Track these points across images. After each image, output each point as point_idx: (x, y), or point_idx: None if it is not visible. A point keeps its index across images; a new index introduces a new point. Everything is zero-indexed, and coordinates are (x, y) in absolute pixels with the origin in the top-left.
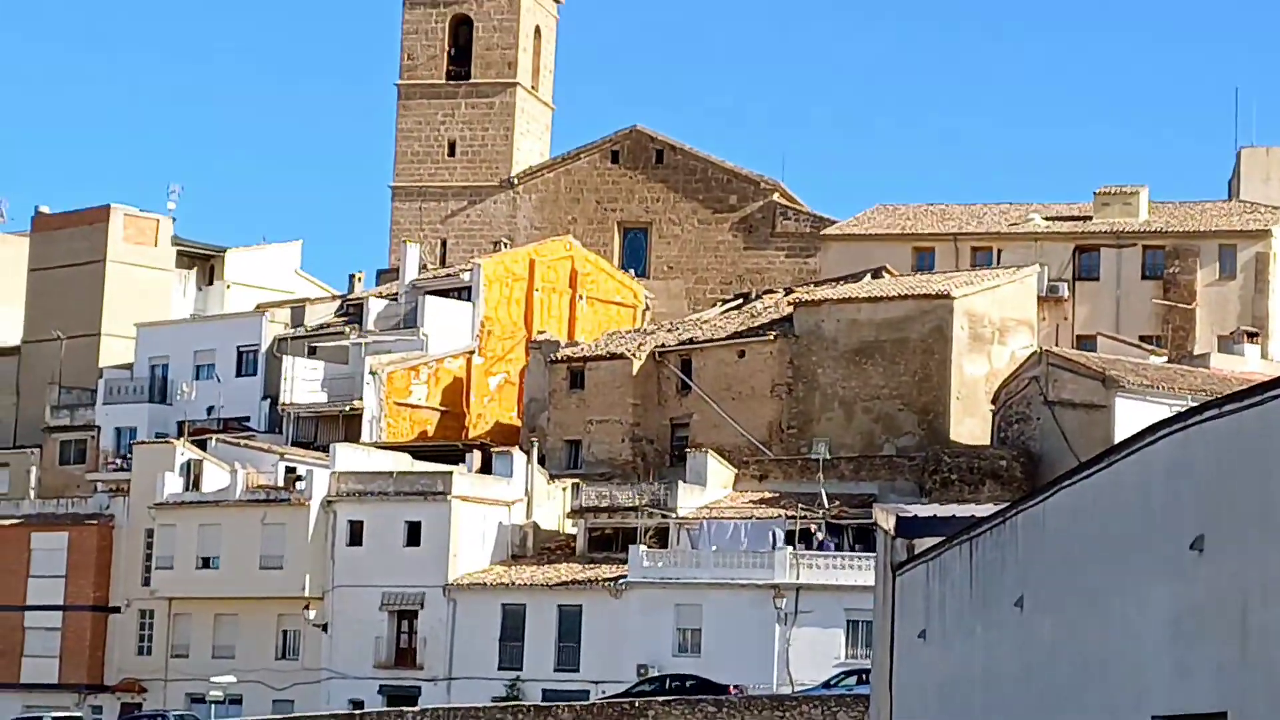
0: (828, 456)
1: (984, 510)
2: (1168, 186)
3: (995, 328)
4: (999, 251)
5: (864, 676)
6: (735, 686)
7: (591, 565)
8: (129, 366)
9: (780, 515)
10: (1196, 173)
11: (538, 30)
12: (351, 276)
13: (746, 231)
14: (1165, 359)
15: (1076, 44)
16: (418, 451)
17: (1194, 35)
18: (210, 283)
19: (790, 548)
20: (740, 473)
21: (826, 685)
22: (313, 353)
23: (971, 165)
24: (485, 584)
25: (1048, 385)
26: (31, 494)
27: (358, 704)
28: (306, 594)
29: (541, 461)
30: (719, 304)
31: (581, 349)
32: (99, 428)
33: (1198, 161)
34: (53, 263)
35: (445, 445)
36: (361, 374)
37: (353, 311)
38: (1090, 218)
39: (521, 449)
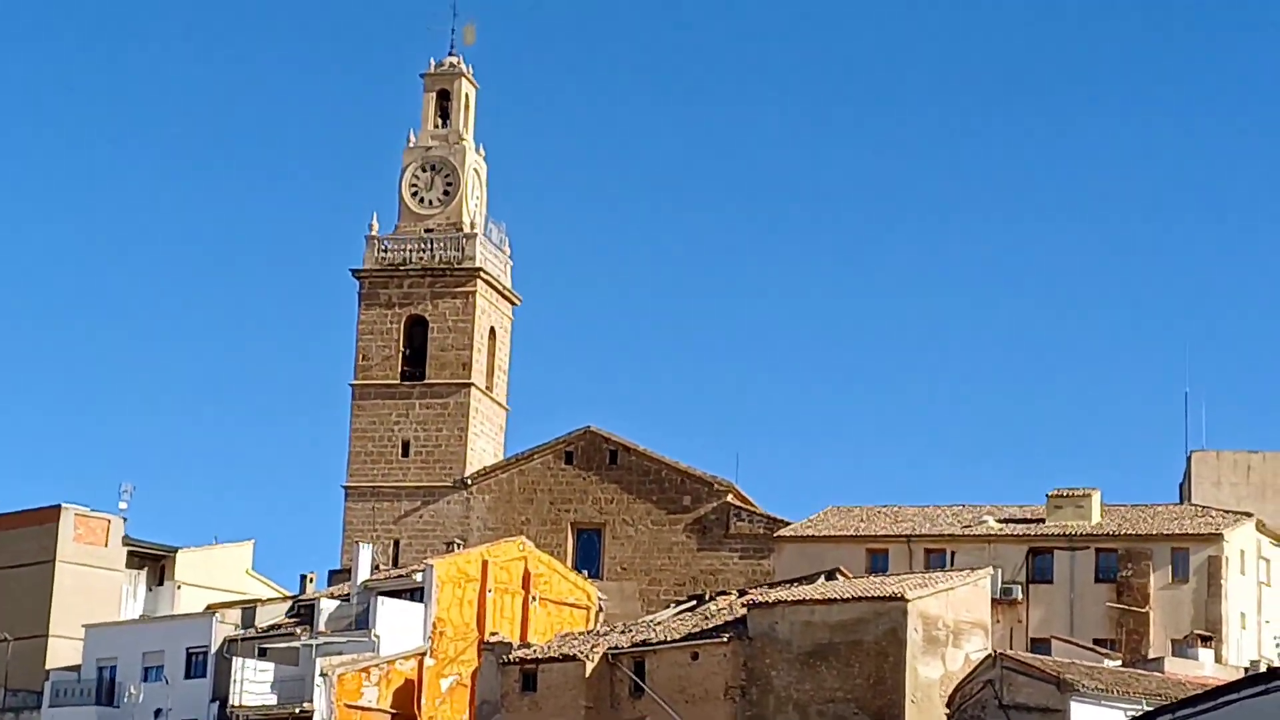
0: None
1: None
2: (1119, 489)
3: (949, 630)
4: (952, 553)
5: None
6: None
7: None
8: (76, 669)
9: None
10: (1148, 476)
11: (492, 331)
12: (303, 577)
13: (700, 532)
14: (1120, 662)
15: (1026, 346)
16: None
17: (1144, 340)
18: (161, 583)
19: None
20: None
21: None
22: (263, 654)
23: (924, 467)
24: None
25: (1002, 689)
26: None
27: None
28: None
29: None
30: (672, 605)
31: (534, 651)
32: None
33: (1149, 465)
34: (2, 563)
35: None
36: (312, 675)
37: (304, 612)
38: (1043, 520)
39: None
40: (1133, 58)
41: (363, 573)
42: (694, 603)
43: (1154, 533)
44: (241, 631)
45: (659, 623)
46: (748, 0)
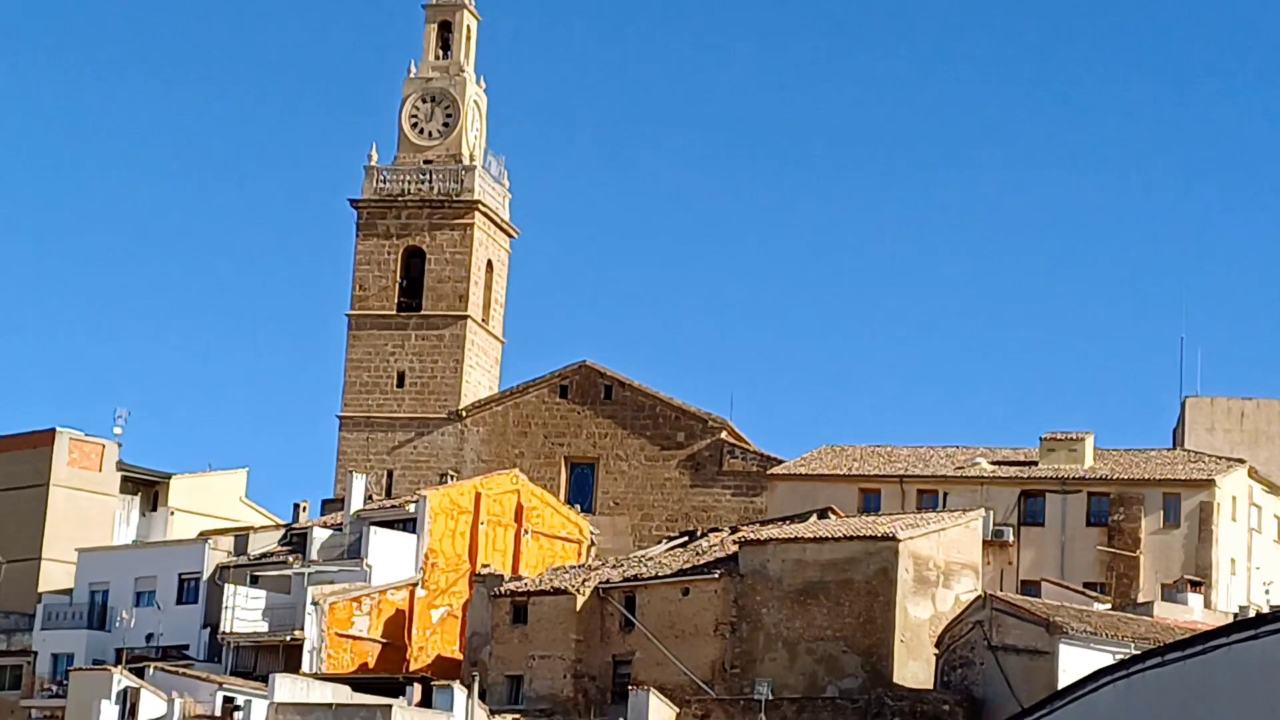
0: (770, 697)
1: None
2: (1113, 434)
3: (940, 571)
4: (945, 495)
5: None
6: None
7: None
8: (68, 592)
9: None
10: (1141, 421)
11: (490, 264)
12: (296, 505)
13: (693, 469)
14: (1109, 606)
15: (1023, 290)
16: (358, 683)
17: (1139, 284)
18: (154, 509)
19: None
20: (682, 711)
21: None
22: (255, 582)
23: (919, 407)
24: None
25: (992, 630)
26: None
27: None
28: None
29: (483, 696)
30: (664, 541)
31: (525, 584)
32: (35, 653)
33: (1142, 409)
34: None
35: (386, 678)
36: (303, 604)
37: (296, 540)
38: (1036, 463)
39: (462, 683)
40: (1133, 23)
41: (356, 502)
42: (686, 539)
43: (1146, 477)
44: (234, 559)
45: (650, 558)
46: None
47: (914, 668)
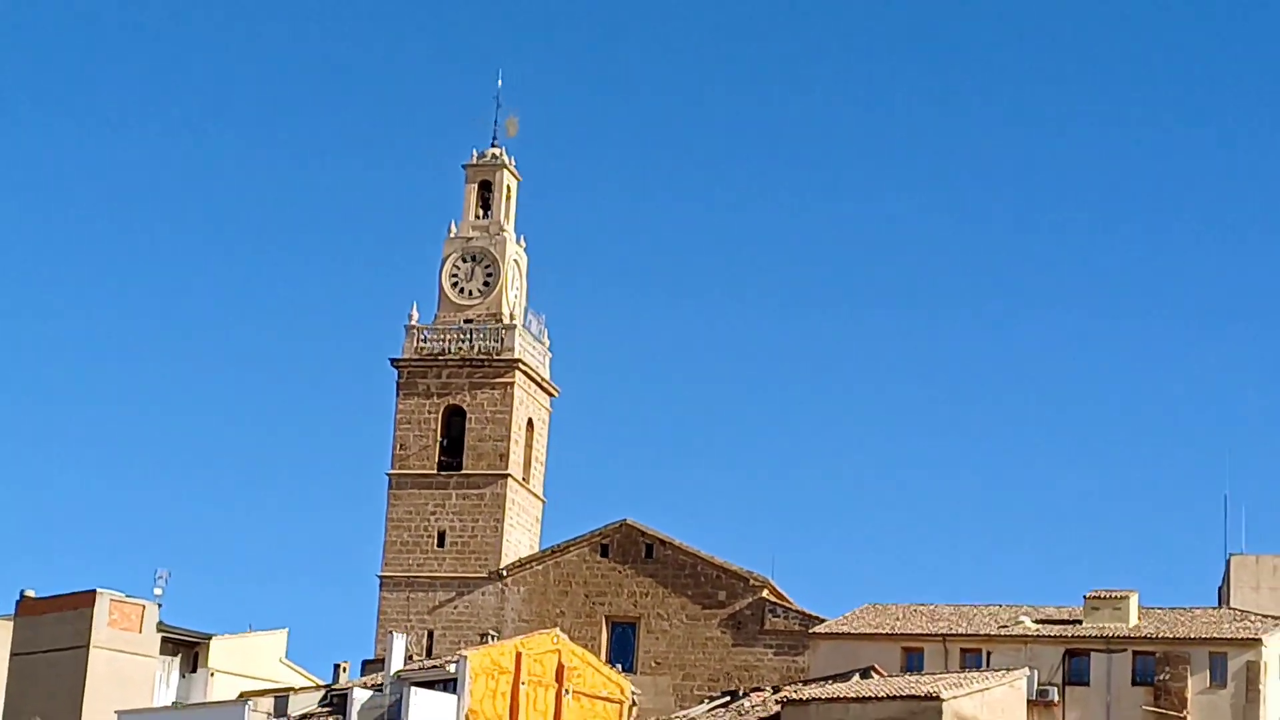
0: None
1: None
2: (1158, 592)
3: None
4: (988, 653)
5: None
6: None
7: None
8: None
9: None
10: (1186, 579)
11: (530, 423)
12: (336, 666)
13: (735, 628)
14: None
15: (1066, 447)
16: None
17: (1183, 441)
18: (194, 670)
19: None
20: None
21: None
22: None
23: (962, 565)
24: None
25: None
26: None
27: None
28: None
29: None
30: (706, 701)
31: None
32: None
33: (1187, 567)
34: (36, 647)
35: None
36: None
37: (337, 701)
38: (1080, 621)
39: None
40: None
41: (396, 663)
42: (728, 699)
43: (1192, 636)
44: None
45: (693, 718)
46: (778, 99)
47: None
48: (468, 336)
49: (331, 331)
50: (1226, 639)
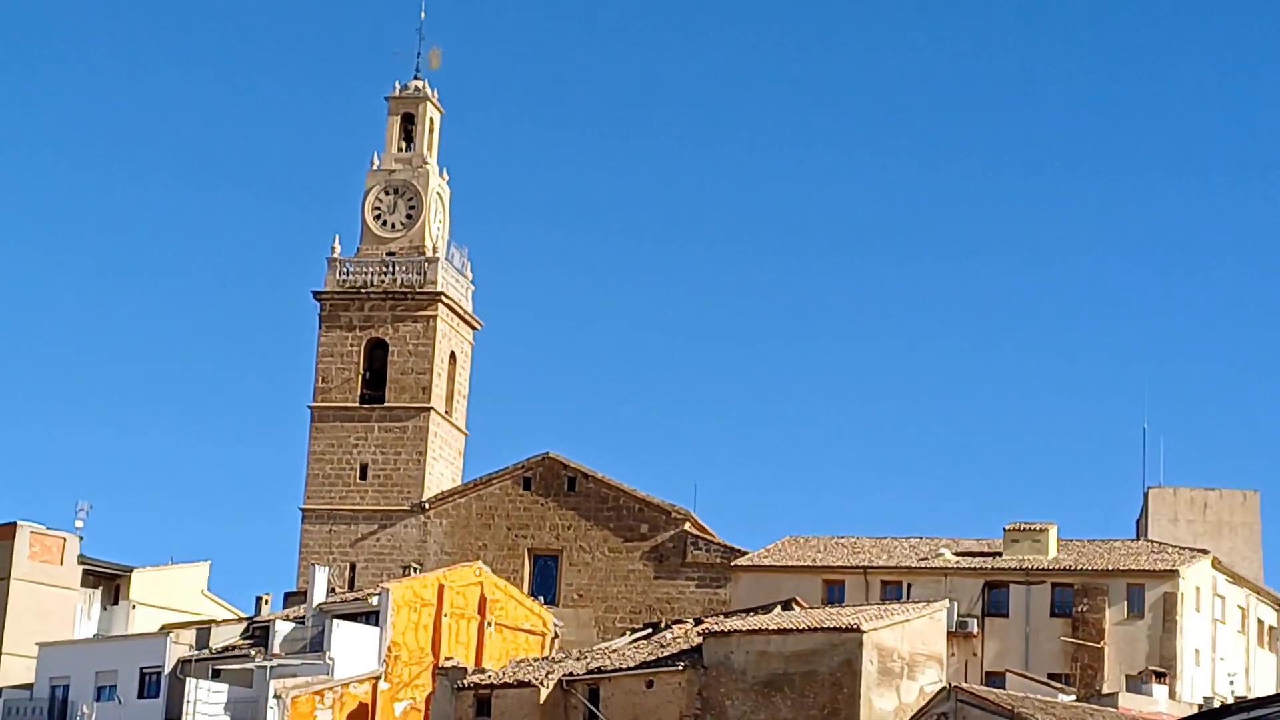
0: None
1: None
2: (1076, 525)
3: (904, 662)
4: (909, 585)
5: None
6: None
7: None
8: (29, 686)
9: None
10: (1105, 511)
11: (453, 355)
12: (258, 598)
13: (657, 561)
14: (1074, 697)
15: (986, 380)
16: None
17: (1101, 374)
18: (115, 602)
19: None
20: None
21: None
22: (217, 675)
23: (882, 498)
24: None
25: None
26: None
27: None
28: None
29: None
30: (628, 633)
31: (488, 676)
32: None
33: (1106, 500)
34: None
35: None
36: (266, 697)
37: (259, 634)
38: (999, 554)
39: None
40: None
41: (318, 595)
42: (649, 631)
43: (1110, 568)
44: (195, 652)
45: (614, 650)
46: (714, 27)
47: None
48: (390, 269)
49: (254, 264)
50: (1144, 570)
